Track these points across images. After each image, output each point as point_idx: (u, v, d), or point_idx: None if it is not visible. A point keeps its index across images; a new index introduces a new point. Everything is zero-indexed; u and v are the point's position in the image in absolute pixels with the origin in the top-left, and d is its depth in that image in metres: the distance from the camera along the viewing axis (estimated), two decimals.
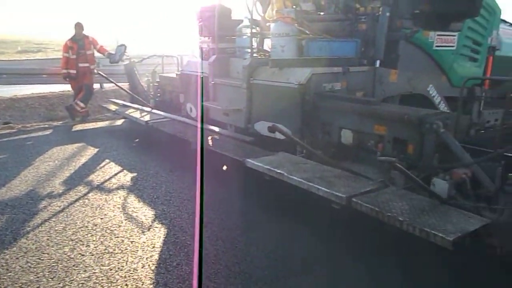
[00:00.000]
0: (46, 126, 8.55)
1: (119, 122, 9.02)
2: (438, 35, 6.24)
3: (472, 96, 7.26)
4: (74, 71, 9.10)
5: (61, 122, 9.09)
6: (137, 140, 7.36)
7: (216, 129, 6.21)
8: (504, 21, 7.93)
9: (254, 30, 6.30)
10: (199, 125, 6.47)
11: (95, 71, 9.50)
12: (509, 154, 3.78)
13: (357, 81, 5.43)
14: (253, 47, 6.08)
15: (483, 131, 7.17)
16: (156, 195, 4.71)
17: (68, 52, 9.04)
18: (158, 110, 7.80)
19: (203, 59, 6.92)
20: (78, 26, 9.07)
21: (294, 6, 6.03)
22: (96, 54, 9.54)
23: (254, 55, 6.18)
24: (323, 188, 3.82)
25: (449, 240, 2.88)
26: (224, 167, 5.81)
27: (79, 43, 9.09)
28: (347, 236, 3.91)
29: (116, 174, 5.40)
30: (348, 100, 4.80)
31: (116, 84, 9.68)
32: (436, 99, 6.52)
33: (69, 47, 9.05)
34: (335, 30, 5.82)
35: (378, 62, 5.71)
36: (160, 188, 4.91)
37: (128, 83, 9.62)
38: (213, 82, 6.31)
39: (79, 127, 8.57)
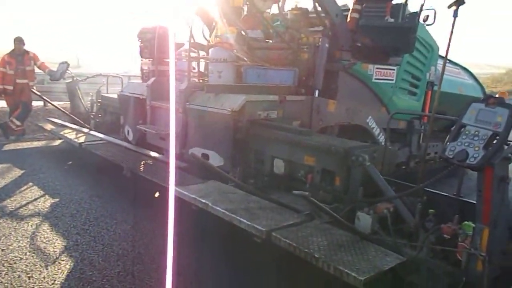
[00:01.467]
0: None
1: (57, 142, 8.56)
2: (377, 68, 6.37)
3: (411, 129, 7.48)
4: (11, 87, 8.64)
5: None
6: (70, 162, 6.96)
7: (152, 153, 5.97)
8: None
9: (195, 54, 6.19)
10: (133, 149, 6.24)
11: (33, 88, 9.05)
12: (430, 190, 3.79)
13: (294, 110, 5.38)
14: (193, 71, 5.94)
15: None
16: (74, 223, 4.38)
17: (5, 67, 8.59)
18: (97, 131, 7.48)
19: (143, 81, 6.73)
20: (18, 41, 8.68)
21: (243, 32, 5.97)
22: (37, 70, 9.12)
23: (194, 79, 6.04)
24: (244, 221, 3.65)
25: (360, 279, 2.77)
26: (156, 194, 5.54)
27: (17, 59, 8.68)
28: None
29: (35, 200, 5.01)
30: (280, 129, 4.72)
31: (50, 103, 9.21)
32: (375, 130, 6.59)
33: (6, 62, 8.61)
34: (279, 59, 5.80)
35: (317, 92, 5.71)
36: (80, 216, 4.58)
37: (69, 102, 9.22)
38: (150, 105, 6.10)
39: (11, 146, 8.06)
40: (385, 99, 6.70)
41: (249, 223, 3.61)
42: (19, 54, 8.71)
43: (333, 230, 3.50)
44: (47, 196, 5.15)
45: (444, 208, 3.65)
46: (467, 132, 2.77)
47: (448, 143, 2.83)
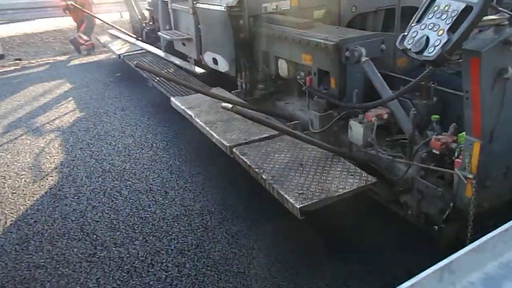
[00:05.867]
0: (47, 62, 8.58)
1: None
2: None
3: None
4: (72, 2, 8.84)
5: (66, 57, 9.09)
6: (118, 74, 7.10)
7: (177, 61, 5.71)
8: None
9: None
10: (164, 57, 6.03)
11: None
12: (441, 88, 2.89)
13: None
14: None
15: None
16: (83, 137, 4.49)
17: None
18: (147, 41, 7.40)
19: None
20: None
21: None
22: None
23: None
24: (215, 135, 3.31)
25: (296, 207, 2.30)
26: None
27: None
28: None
29: (64, 115, 5.24)
30: (281, 23, 3.98)
31: (96, 17, 9.14)
32: None
33: None
34: None
35: None
36: (93, 131, 4.68)
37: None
38: (171, 8, 5.68)
39: (76, 61, 8.50)
40: None
41: (217, 137, 3.26)
42: None
43: (304, 145, 2.95)
44: (76, 111, 5.36)
45: (457, 111, 2.77)
46: (435, 8, 1.89)
47: (410, 26, 1.99)
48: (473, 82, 1.97)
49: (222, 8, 4.16)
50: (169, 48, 6.11)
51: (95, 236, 2.91)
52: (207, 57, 4.89)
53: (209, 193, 3.30)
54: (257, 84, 4.44)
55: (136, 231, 2.94)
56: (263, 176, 2.61)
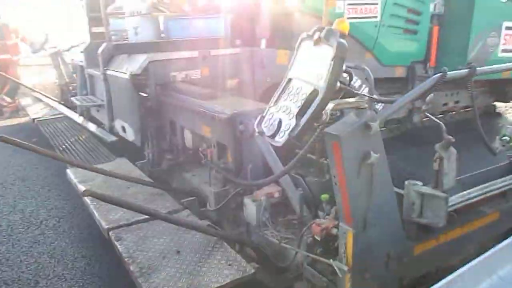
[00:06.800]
0: None
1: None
2: (349, 4, 5.10)
3: (412, 76, 6.13)
4: None
5: None
6: (34, 139, 6.62)
7: (91, 127, 5.40)
8: None
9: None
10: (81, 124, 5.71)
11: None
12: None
13: (226, 67, 4.42)
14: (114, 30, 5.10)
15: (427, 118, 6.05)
16: None
17: None
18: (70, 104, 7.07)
19: None
20: None
21: None
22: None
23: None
24: (96, 214, 2.98)
25: None
26: None
27: None
28: None
29: None
30: (186, 92, 3.84)
31: (16, 82, 8.70)
32: (353, 82, 5.39)
33: None
34: (209, 5, 4.79)
35: (263, 42, 4.70)
36: None
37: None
38: (87, 73, 5.47)
39: None
40: (368, 42, 5.42)
41: (98, 217, 2.93)
42: None
43: (182, 229, 2.66)
44: None
45: None
46: (290, 89, 1.76)
47: (268, 107, 1.85)
48: (338, 166, 1.82)
49: (127, 76, 3.98)
50: (87, 113, 5.83)
51: None
52: (118, 125, 4.64)
53: (88, 282, 2.88)
54: (164, 155, 4.20)
55: None
56: (131, 268, 2.28)
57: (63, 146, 4.84)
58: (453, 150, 2.09)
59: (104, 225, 2.77)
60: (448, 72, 2.08)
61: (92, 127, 5.36)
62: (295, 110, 1.63)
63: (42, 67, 9.33)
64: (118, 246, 2.50)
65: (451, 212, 2.29)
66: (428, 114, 2.11)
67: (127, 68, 4.11)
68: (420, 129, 6.20)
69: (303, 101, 1.62)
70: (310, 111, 1.56)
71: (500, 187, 2.51)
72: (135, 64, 3.99)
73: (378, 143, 1.83)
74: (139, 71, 3.94)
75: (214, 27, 4.52)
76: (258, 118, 1.84)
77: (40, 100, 7.70)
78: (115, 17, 5.18)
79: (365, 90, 5.45)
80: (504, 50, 6.36)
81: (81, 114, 5.86)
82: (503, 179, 2.57)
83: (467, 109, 6.96)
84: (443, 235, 2.25)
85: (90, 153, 4.56)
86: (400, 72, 5.97)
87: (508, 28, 6.28)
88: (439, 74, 2.06)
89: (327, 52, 1.56)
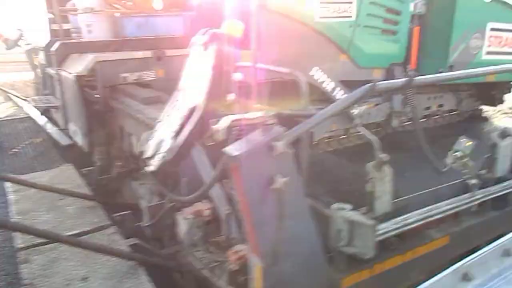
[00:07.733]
0: None
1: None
2: (322, 3, 4.82)
3: (391, 78, 5.85)
4: None
5: None
6: None
7: (49, 128, 5.15)
8: None
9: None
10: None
11: None
12: None
13: (183, 68, 4.15)
14: (75, 27, 4.84)
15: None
16: None
17: None
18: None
19: None
20: None
21: None
22: None
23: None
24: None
25: None
26: None
27: None
28: None
29: None
30: (133, 96, 3.58)
31: None
32: (326, 85, 5.11)
33: None
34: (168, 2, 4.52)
35: None
36: None
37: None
38: (44, 73, 5.21)
39: None
40: (343, 43, 5.13)
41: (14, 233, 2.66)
42: None
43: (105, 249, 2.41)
44: None
45: None
46: (177, 102, 1.49)
47: (155, 123, 1.58)
48: (239, 192, 1.56)
49: (72, 77, 3.72)
50: (49, 114, 5.57)
51: None
52: (71, 128, 4.38)
53: None
54: (114, 161, 3.94)
55: None
56: None
57: (15, 150, 4.57)
58: (387, 170, 1.83)
59: (18, 242, 2.51)
60: (381, 82, 1.81)
61: (50, 129, 5.11)
62: (176, 128, 1.37)
63: (17, 64, 9.07)
64: (23, 270, 2.24)
65: (392, 238, 2.04)
66: (361, 128, 1.84)
67: (71, 67, 3.86)
68: (400, 133, 5.95)
69: (183, 119, 1.35)
70: (186, 130, 1.30)
71: (451, 209, 2.25)
72: (81, 63, 3.73)
73: (288, 164, 1.57)
74: (85, 72, 3.68)
75: (173, 26, 4.26)
76: (146, 135, 1.58)
77: (10, 99, 7.45)
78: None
79: (339, 93, 5.21)
80: (489, 52, 6.08)
81: (42, 114, 5.61)
82: (454, 199, 2.30)
83: (452, 113, 6.71)
84: (379, 264, 1.99)
85: (38, 158, 4.28)
86: (378, 74, 5.67)
87: (493, 29, 6.00)
88: (368, 85, 1.79)
89: (209, 61, 1.30)
